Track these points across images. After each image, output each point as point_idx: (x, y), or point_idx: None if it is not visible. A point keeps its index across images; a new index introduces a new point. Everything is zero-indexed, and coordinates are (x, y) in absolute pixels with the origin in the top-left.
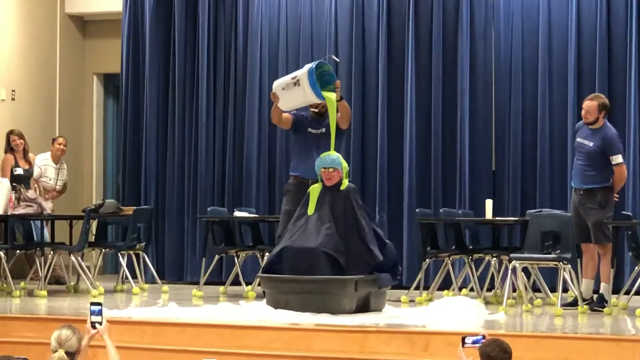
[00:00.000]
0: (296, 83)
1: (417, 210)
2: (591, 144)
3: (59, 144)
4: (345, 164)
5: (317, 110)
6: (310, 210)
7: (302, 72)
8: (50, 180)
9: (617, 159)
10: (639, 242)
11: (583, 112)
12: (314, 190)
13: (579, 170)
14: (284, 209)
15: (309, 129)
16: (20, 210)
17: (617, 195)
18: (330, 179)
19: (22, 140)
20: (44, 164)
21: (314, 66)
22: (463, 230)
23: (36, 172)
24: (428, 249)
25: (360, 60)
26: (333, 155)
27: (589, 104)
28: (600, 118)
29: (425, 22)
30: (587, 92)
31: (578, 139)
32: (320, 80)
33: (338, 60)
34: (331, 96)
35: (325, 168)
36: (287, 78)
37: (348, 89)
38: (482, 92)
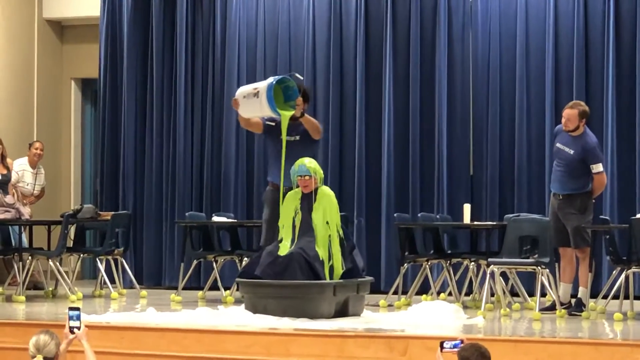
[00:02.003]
0: (256, 94)
1: (395, 214)
2: (572, 152)
3: (36, 149)
4: (320, 171)
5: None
6: (284, 219)
7: (263, 85)
8: (27, 185)
9: (598, 167)
10: (617, 246)
11: (563, 121)
12: (290, 197)
13: (559, 177)
14: (264, 218)
15: (269, 122)
16: None
17: (594, 202)
18: (307, 187)
19: (0, 146)
20: (21, 169)
21: (274, 81)
22: (441, 235)
23: (14, 177)
24: (406, 253)
25: (337, 64)
26: (307, 163)
27: (570, 112)
28: (581, 126)
29: (403, 26)
30: (564, 97)
31: (558, 144)
32: (285, 94)
33: (302, 78)
34: (286, 113)
35: (300, 176)
36: (249, 87)
37: (326, 94)
38: (459, 97)
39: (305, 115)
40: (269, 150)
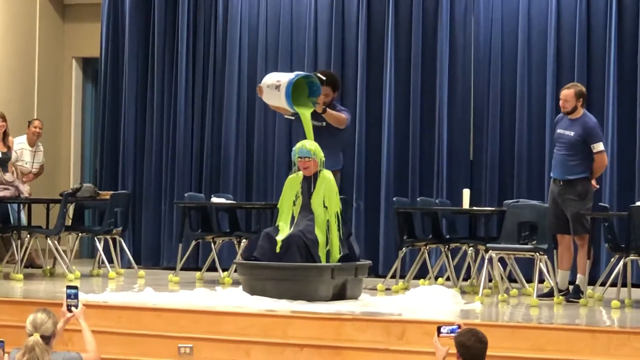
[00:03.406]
0: (278, 87)
1: (394, 199)
2: (572, 134)
3: (35, 127)
4: (321, 154)
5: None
6: (284, 203)
7: (285, 80)
8: (26, 163)
9: (599, 146)
10: (616, 234)
11: (561, 102)
12: (291, 180)
13: (560, 161)
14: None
15: (312, 120)
16: None
17: (596, 184)
18: (307, 168)
19: (4, 123)
20: (20, 148)
21: (294, 78)
22: (440, 220)
23: (13, 156)
24: (405, 237)
25: (339, 48)
26: (309, 145)
27: (566, 93)
28: (579, 106)
29: (405, 10)
30: (565, 82)
31: (558, 130)
32: (310, 89)
33: (324, 78)
34: (304, 111)
35: (301, 158)
36: (274, 78)
37: None
38: (460, 82)
39: (328, 110)
40: (297, 134)
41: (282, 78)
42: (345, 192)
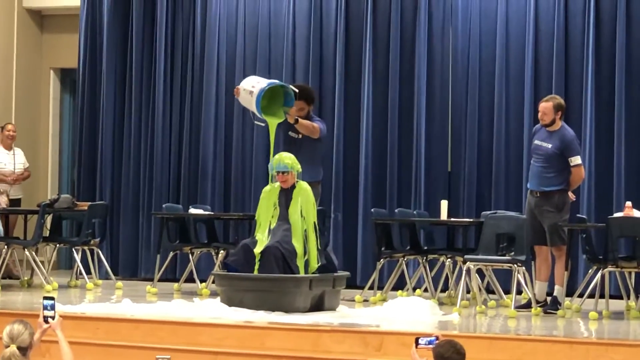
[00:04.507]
0: (251, 92)
1: (372, 210)
2: (549, 146)
3: (8, 131)
4: (298, 166)
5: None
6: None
7: (258, 87)
8: (6, 165)
9: (576, 160)
10: (593, 245)
11: (539, 114)
12: (268, 192)
13: (537, 172)
14: None
15: (290, 132)
16: None
17: (573, 196)
18: (285, 182)
19: None
20: None
21: (267, 86)
22: (418, 231)
23: None
24: (383, 249)
25: (317, 59)
26: (285, 158)
27: (545, 106)
28: (557, 119)
29: (383, 22)
30: (543, 94)
31: (536, 142)
32: (285, 98)
33: (296, 90)
34: (272, 120)
35: (278, 172)
36: (250, 83)
37: None
38: (438, 93)
39: (300, 120)
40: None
41: (258, 84)
42: (324, 203)
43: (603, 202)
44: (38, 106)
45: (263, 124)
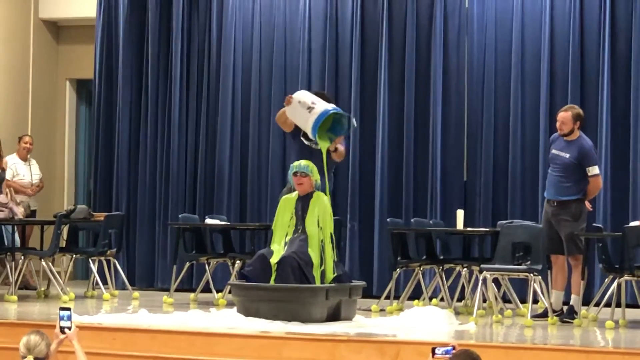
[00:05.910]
0: (310, 109)
1: (388, 219)
2: (567, 156)
3: (25, 143)
4: (317, 174)
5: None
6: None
7: (320, 107)
8: (24, 177)
9: (594, 170)
10: (609, 254)
11: (558, 124)
12: (285, 201)
13: (554, 182)
14: None
15: (304, 140)
16: None
17: (590, 205)
18: (301, 184)
19: None
20: (13, 163)
21: (331, 110)
22: (434, 240)
23: (8, 174)
24: (399, 258)
25: (333, 68)
26: (309, 164)
27: (564, 115)
28: (576, 129)
29: (399, 31)
30: (559, 103)
31: (553, 151)
32: (332, 125)
33: (355, 126)
34: (324, 144)
35: (297, 173)
36: (309, 98)
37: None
38: (454, 102)
39: (339, 149)
40: (292, 152)
41: (318, 104)
42: (339, 213)
43: (619, 211)
44: (54, 117)
45: (308, 143)
